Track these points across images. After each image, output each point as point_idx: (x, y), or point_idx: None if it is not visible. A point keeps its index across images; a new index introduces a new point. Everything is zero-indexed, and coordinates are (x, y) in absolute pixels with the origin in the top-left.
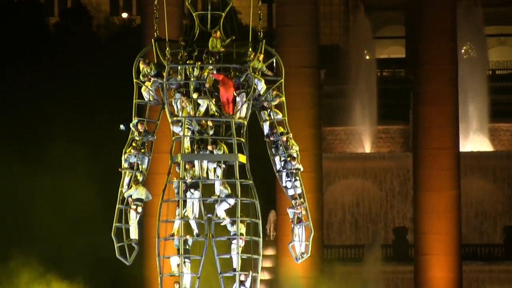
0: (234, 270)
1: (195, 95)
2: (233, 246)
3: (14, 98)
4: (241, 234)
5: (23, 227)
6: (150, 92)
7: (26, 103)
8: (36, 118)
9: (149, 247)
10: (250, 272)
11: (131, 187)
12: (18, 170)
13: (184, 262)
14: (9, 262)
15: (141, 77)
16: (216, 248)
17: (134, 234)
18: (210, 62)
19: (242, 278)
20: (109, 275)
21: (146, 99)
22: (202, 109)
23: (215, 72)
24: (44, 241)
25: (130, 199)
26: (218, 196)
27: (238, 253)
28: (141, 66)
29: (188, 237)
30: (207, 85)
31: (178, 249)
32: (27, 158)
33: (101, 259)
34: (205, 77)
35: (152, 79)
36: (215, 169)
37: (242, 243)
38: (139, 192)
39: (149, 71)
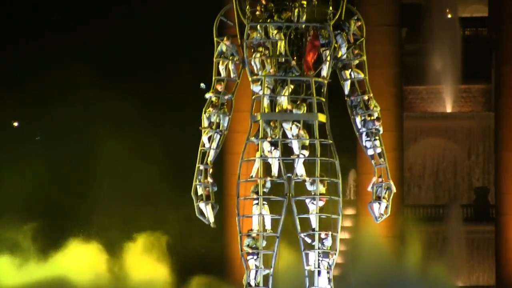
0: (313, 230)
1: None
2: (313, 206)
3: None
4: (321, 194)
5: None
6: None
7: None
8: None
9: (229, 206)
10: (330, 232)
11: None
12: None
13: (264, 204)
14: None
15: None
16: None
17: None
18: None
19: (323, 235)
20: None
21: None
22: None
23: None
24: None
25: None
26: (298, 155)
27: (317, 212)
28: (225, 44)
29: (268, 178)
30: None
31: (257, 192)
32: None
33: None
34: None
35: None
36: (291, 128)
37: (321, 203)
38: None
39: (230, 48)
